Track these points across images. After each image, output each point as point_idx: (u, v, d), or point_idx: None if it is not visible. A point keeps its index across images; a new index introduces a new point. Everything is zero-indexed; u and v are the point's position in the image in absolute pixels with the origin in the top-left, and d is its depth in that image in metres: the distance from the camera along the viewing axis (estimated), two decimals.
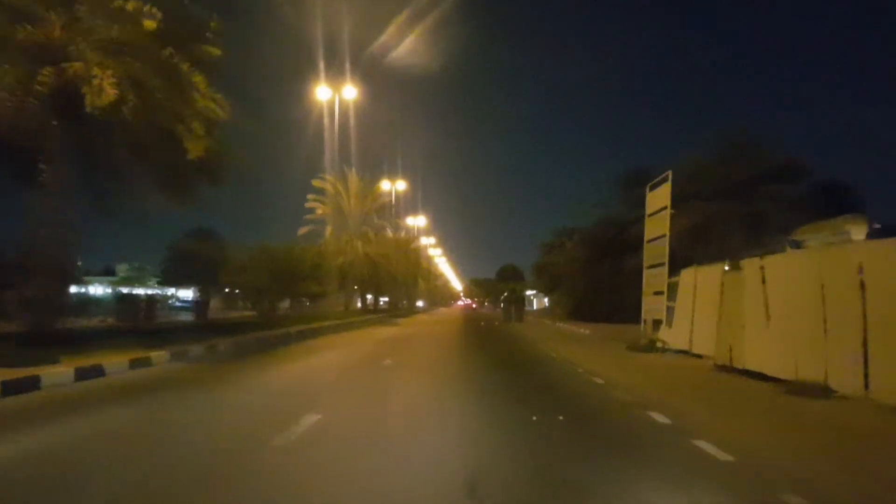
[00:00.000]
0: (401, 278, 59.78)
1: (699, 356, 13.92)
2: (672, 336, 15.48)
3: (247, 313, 31.61)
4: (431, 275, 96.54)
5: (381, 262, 41.57)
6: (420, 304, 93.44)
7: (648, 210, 17.41)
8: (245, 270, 24.64)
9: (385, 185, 54.11)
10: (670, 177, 15.90)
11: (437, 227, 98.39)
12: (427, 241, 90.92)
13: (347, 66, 37.11)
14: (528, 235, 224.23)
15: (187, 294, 73.61)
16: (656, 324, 17.26)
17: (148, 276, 71.55)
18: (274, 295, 28.23)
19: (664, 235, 15.90)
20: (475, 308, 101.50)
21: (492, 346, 17.95)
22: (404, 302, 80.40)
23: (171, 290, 71.78)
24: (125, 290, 47.11)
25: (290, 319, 27.32)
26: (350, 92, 38.16)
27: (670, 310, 15.95)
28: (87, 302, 46.00)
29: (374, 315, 41.44)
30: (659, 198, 16.61)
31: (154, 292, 70.16)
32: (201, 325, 20.50)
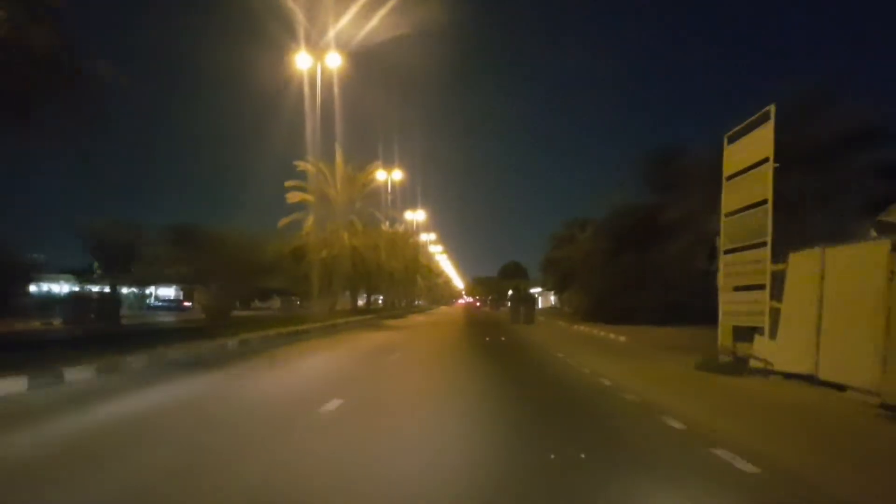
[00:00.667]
0: (397, 275, 54.68)
1: (837, 386, 8.74)
2: (778, 352, 10.29)
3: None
4: (431, 272, 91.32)
5: (371, 255, 36.32)
6: (419, 302, 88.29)
7: (728, 170, 12.19)
8: (164, 260, 19.44)
9: (380, 174, 49.18)
10: (773, 114, 10.66)
11: (438, 225, 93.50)
12: (427, 237, 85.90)
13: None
14: (531, 233, 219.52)
15: (169, 292, 68.72)
16: (738, 332, 12.07)
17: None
18: (225, 291, 23.08)
19: (763, 202, 10.67)
20: (479, 307, 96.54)
21: (507, 366, 12.62)
22: (403, 301, 75.28)
23: (150, 289, 66.75)
24: (81, 289, 41.72)
25: (252, 323, 22.17)
26: (335, 60, 33.13)
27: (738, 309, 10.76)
28: (50, 302, 41.01)
29: (363, 316, 36.28)
30: (748, 149, 11.39)
31: (129, 291, 65.05)
32: (103, 333, 15.39)
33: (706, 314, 27.53)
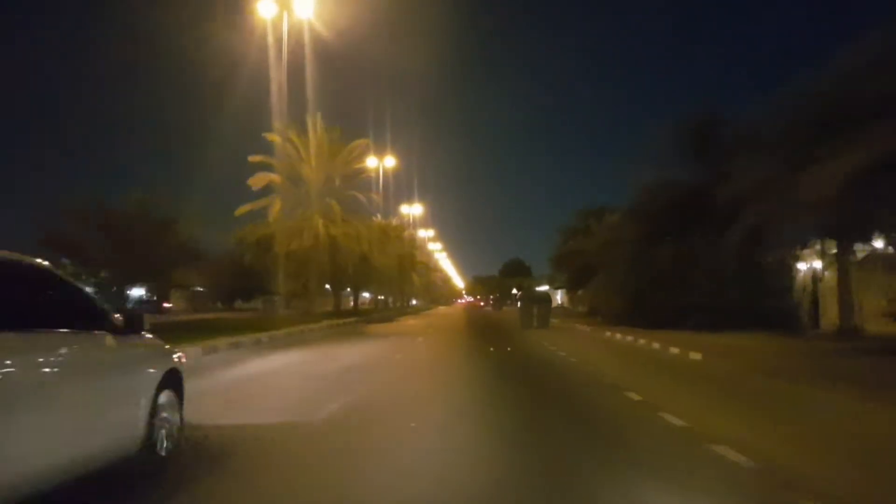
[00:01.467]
0: (389, 271, 48.49)
1: None
2: None
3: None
4: (429, 269, 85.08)
5: (353, 247, 29.99)
6: (415, 302, 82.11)
7: None
8: None
9: (371, 161, 43.10)
10: None
11: (436, 225, 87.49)
12: (426, 234, 79.66)
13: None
14: (533, 232, 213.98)
15: (140, 292, 62.30)
16: None
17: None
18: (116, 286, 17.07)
19: None
20: (482, 306, 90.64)
21: (551, 446, 6.10)
22: (398, 301, 69.13)
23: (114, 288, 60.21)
24: None
25: (172, 330, 15.98)
26: (305, 7, 27.12)
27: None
28: None
29: (343, 320, 30.13)
30: None
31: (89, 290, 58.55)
32: None
33: (771, 318, 21.36)
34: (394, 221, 56.98)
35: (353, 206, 33.64)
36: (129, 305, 54.69)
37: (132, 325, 4.37)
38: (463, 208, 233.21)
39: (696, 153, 26.95)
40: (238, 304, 57.21)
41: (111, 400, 3.89)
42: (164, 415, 4.49)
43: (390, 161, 50.50)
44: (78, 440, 3.47)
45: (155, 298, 59.31)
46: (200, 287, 55.99)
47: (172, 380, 4.69)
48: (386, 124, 50.34)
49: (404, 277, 56.47)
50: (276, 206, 27.99)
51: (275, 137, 28.19)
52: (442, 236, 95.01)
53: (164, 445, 4.47)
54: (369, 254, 31.81)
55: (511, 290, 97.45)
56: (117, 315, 4.38)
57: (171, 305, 51.62)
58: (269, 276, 30.05)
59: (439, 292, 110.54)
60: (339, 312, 35.38)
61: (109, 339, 4.07)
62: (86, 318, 3.96)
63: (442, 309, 77.70)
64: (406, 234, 62.07)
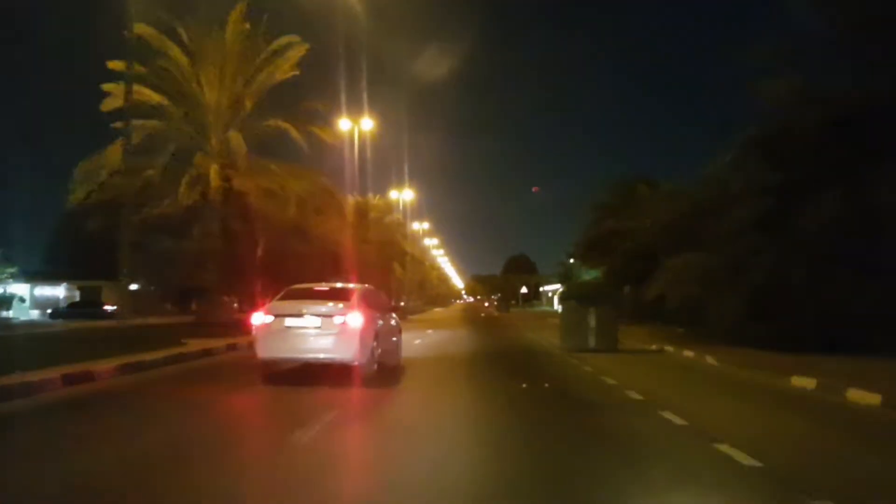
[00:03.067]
0: (366, 260, 36.08)
1: None
2: None
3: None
4: (423, 264, 72.67)
5: (272, 210, 17.36)
6: (402, 303, 69.29)
7: None
8: None
9: (343, 123, 30.88)
10: None
11: (433, 222, 75.22)
12: (420, 226, 67.20)
13: None
14: (538, 229, 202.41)
15: (55, 292, 50.57)
16: None
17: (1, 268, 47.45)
18: None
19: None
20: (486, 307, 79.26)
21: None
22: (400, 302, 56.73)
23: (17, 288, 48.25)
24: None
25: None
26: None
27: None
28: None
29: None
30: None
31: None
32: None
33: None
34: (373, 199, 44.81)
35: (278, 142, 20.16)
36: (66, 310, 42.82)
37: (395, 309, 14.47)
38: (460, 204, 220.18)
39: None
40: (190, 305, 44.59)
41: (393, 336, 11.34)
42: (401, 347, 11.83)
43: (368, 123, 37.53)
44: (389, 350, 10.75)
45: (78, 299, 47.32)
46: (136, 285, 43.21)
47: (400, 333, 12.03)
48: (362, 86, 36.66)
49: (386, 271, 44.04)
50: (115, 151, 15.10)
51: (144, 34, 15.52)
52: (439, 233, 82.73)
53: (400, 361, 11.57)
54: (305, 224, 19.04)
55: (520, 288, 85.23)
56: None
57: (115, 308, 39.12)
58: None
59: (436, 292, 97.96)
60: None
61: (391, 315, 11.56)
62: (385, 307, 11.64)
63: (438, 311, 64.86)
64: (390, 219, 49.81)
